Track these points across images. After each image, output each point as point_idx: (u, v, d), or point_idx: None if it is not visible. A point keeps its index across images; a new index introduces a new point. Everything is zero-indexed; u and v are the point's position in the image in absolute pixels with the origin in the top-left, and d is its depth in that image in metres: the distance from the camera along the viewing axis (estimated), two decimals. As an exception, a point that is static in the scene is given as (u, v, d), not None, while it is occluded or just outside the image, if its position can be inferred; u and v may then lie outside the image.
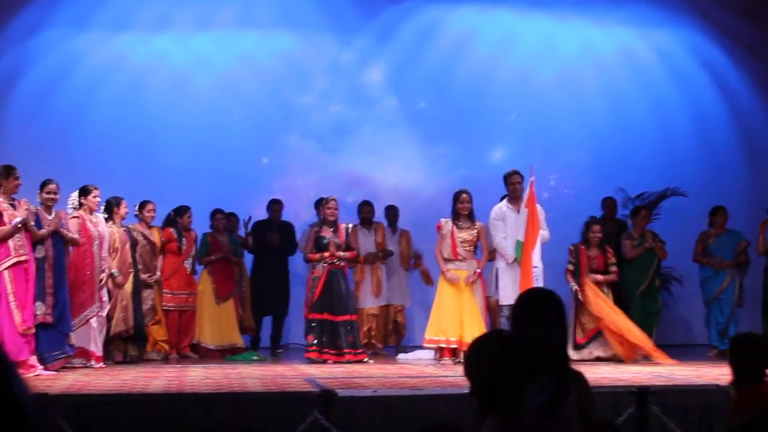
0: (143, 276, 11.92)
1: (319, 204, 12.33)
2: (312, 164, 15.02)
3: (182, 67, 14.89)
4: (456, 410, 7.39)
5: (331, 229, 11.72)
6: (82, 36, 14.67)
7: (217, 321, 12.86)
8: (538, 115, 15.39)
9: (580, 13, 15.54)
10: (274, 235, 13.39)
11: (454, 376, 9.49)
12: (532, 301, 4.14)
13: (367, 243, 13.16)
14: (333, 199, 11.87)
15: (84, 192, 10.86)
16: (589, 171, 15.33)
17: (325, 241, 11.63)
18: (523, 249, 11.30)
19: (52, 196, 10.26)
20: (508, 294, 11.45)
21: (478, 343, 3.50)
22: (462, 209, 11.72)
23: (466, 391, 7.50)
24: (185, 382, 8.89)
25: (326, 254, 11.57)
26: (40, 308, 9.86)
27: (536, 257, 11.24)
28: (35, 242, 9.93)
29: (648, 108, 15.61)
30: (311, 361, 11.33)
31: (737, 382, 5.23)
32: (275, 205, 13.73)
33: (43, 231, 10.00)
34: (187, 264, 12.78)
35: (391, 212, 13.75)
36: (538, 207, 11.51)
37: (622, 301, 12.60)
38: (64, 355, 10.14)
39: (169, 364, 11.68)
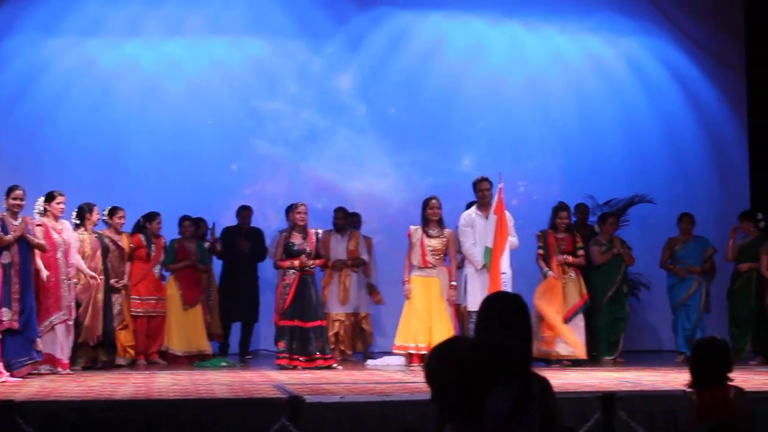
0: (111, 281, 11.87)
1: (290, 210, 12.31)
2: (282, 170, 14.99)
3: (152, 73, 14.82)
4: (425, 416, 7.32)
5: (301, 235, 11.70)
6: (50, 41, 14.60)
7: (184, 327, 12.80)
8: (508, 123, 15.41)
9: (550, 21, 15.59)
10: (244, 242, 13.36)
11: (422, 382, 9.42)
12: (495, 305, 4.12)
13: (338, 249, 13.16)
14: (302, 205, 11.84)
15: (48, 198, 10.79)
16: (558, 178, 15.37)
17: (295, 248, 11.59)
18: (491, 255, 11.32)
19: (18, 202, 10.18)
20: (476, 300, 11.32)
21: (439, 350, 3.50)
22: (432, 215, 11.73)
23: (433, 397, 7.52)
24: (153, 389, 8.83)
25: (296, 262, 11.54)
26: (6, 314, 9.81)
27: (505, 264, 11.27)
28: (1, 248, 9.87)
29: (616, 115, 15.67)
30: (282, 368, 11.29)
31: (699, 386, 5.26)
32: (244, 212, 13.70)
33: (9, 237, 9.93)
34: (156, 270, 12.72)
35: (353, 219, 13.80)
36: (507, 213, 11.56)
37: (589, 306, 12.66)
38: (31, 361, 10.07)
39: (136, 370, 11.61)
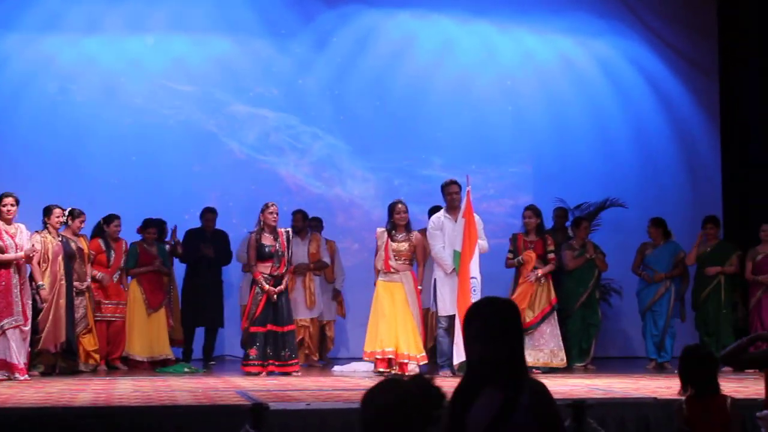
0: (75, 284, 11.63)
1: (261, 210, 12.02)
2: (246, 171, 14.74)
3: (112, 71, 14.54)
4: None
5: (272, 236, 11.53)
6: (7, 37, 14.28)
7: (147, 332, 12.58)
8: (478, 124, 15.28)
9: (520, 21, 15.49)
10: (208, 246, 13.12)
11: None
12: (484, 311, 3.90)
13: (298, 252, 12.95)
14: (273, 205, 11.66)
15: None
16: (529, 181, 15.27)
17: (267, 249, 11.44)
18: (460, 259, 11.19)
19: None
20: (446, 305, 11.42)
21: (373, 395, 3.28)
22: (399, 220, 11.58)
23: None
24: (113, 395, 8.66)
25: (266, 287, 11.37)
26: None
27: (474, 268, 11.16)
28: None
29: (588, 117, 15.59)
30: (249, 374, 11.15)
31: (695, 395, 5.17)
32: (208, 214, 13.45)
33: None
34: (116, 275, 12.48)
35: (314, 222, 13.68)
36: (476, 217, 11.44)
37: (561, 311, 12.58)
38: None
39: (97, 376, 11.38)
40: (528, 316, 11.83)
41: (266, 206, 11.67)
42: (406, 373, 11.07)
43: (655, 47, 15.77)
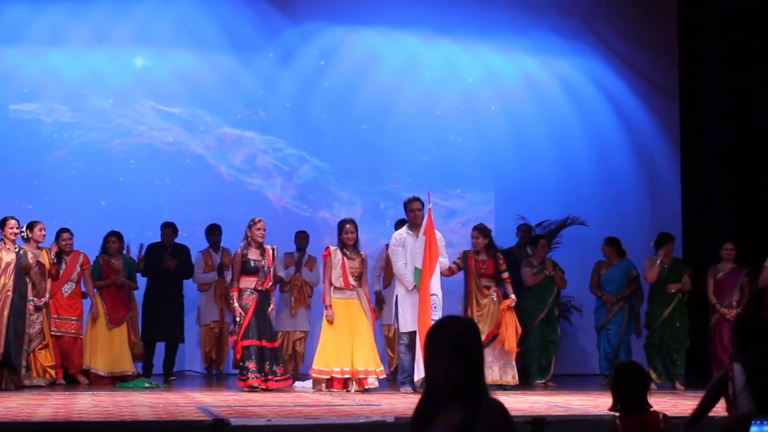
0: (33, 299, 11.54)
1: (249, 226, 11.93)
2: (207, 186, 14.71)
3: (76, 83, 14.48)
4: None
5: (258, 251, 11.49)
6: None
7: (108, 347, 12.49)
8: (441, 141, 15.35)
9: (483, 40, 15.57)
10: (170, 260, 13.09)
11: (350, 405, 9.33)
12: (444, 330, 3.92)
13: None
14: (261, 221, 11.60)
15: None
16: (490, 197, 15.31)
17: (252, 264, 11.40)
18: (421, 276, 11.20)
19: None
20: (407, 321, 11.41)
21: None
22: (347, 239, 11.58)
23: (361, 421, 7.39)
24: (73, 410, 8.56)
25: (234, 305, 11.40)
26: None
27: (435, 285, 11.17)
28: None
29: (549, 136, 15.68)
30: (252, 389, 11.07)
31: (623, 410, 5.26)
32: (167, 229, 13.42)
33: None
34: (65, 288, 12.38)
35: (301, 237, 13.73)
36: (438, 234, 11.44)
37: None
38: None
39: (55, 390, 11.29)
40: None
41: (253, 222, 11.60)
42: (366, 387, 11.12)
43: (616, 68, 15.90)
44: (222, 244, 13.64)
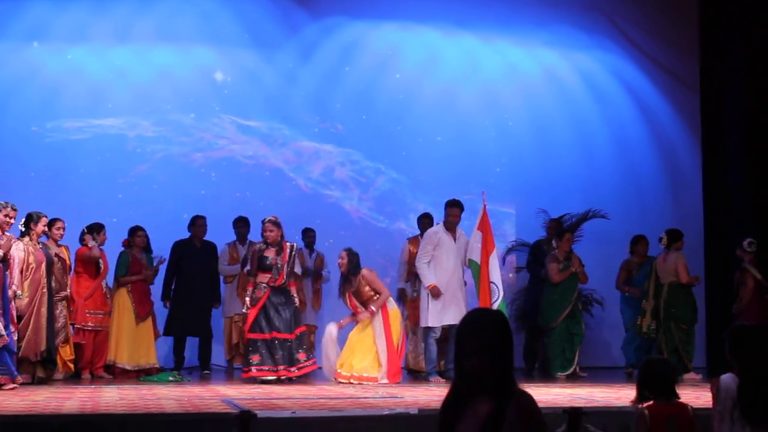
0: (59, 294, 11.65)
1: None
2: (287, 199, 14.74)
3: (98, 81, 14.55)
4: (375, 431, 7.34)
5: (275, 249, 11.60)
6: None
7: (134, 341, 12.57)
8: (461, 136, 15.34)
9: (504, 34, 15.57)
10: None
11: (374, 397, 9.39)
12: (473, 322, 3.94)
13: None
14: (268, 221, 11.69)
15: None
16: (512, 192, 15.31)
17: (268, 261, 11.54)
18: (480, 269, 11.87)
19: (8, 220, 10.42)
20: (426, 317, 12.05)
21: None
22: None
23: (385, 413, 7.43)
24: (100, 403, 8.61)
25: (244, 306, 11.73)
26: None
27: (494, 274, 11.87)
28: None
29: (571, 130, 15.66)
30: (257, 381, 11.26)
31: (652, 404, 5.30)
32: (200, 219, 13.42)
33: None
34: (103, 284, 12.50)
35: (309, 234, 13.89)
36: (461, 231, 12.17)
37: (545, 324, 12.71)
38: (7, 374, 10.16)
39: (81, 384, 11.37)
40: None
41: (263, 223, 11.78)
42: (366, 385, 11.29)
43: (637, 60, 15.87)
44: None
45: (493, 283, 11.75)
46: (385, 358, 11.52)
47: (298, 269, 13.16)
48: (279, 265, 11.54)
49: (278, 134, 14.95)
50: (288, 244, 11.73)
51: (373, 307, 11.63)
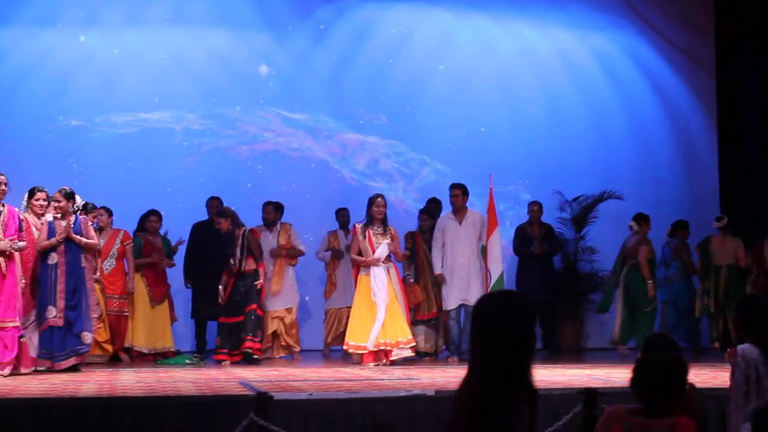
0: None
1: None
2: (332, 191, 14.82)
3: (110, 64, 14.54)
4: (392, 413, 7.38)
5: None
6: (6, 31, 14.28)
7: (151, 324, 12.58)
8: (475, 117, 15.30)
9: (518, 15, 15.53)
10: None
11: (390, 379, 9.41)
12: (490, 306, 3.73)
13: (270, 244, 13.11)
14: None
15: (30, 194, 10.63)
16: (526, 173, 15.27)
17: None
18: (486, 252, 12.18)
19: (41, 203, 10.50)
20: (449, 299, 12.32)
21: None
22: (377, 213, 11.74)
23: (402, 394, 7.46)
24: (117, 387, 8.63)
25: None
26: (51, 312, 10.16)
27: (492, 257, 12.11)
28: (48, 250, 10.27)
29: (586, 111, 15.61)
30: (219, 363, 11.68)
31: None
32: (214, 201, 13.43)
33: (51, 241, 10.23)
34: (106, 265, 12.41)
35: (343, 213, 13.87)
36: (478, 214, 12.44)
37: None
38: (74, 354, 10.29)
39: (98, 367, 11.40)
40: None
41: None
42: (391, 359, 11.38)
43: (652, 41, 15.81)
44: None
45: (489, 269, 12.04)
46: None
47: (302, 247, 13.26)
48: (238, 254, 11.91)
49: (323, 126, 14.97)
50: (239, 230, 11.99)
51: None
